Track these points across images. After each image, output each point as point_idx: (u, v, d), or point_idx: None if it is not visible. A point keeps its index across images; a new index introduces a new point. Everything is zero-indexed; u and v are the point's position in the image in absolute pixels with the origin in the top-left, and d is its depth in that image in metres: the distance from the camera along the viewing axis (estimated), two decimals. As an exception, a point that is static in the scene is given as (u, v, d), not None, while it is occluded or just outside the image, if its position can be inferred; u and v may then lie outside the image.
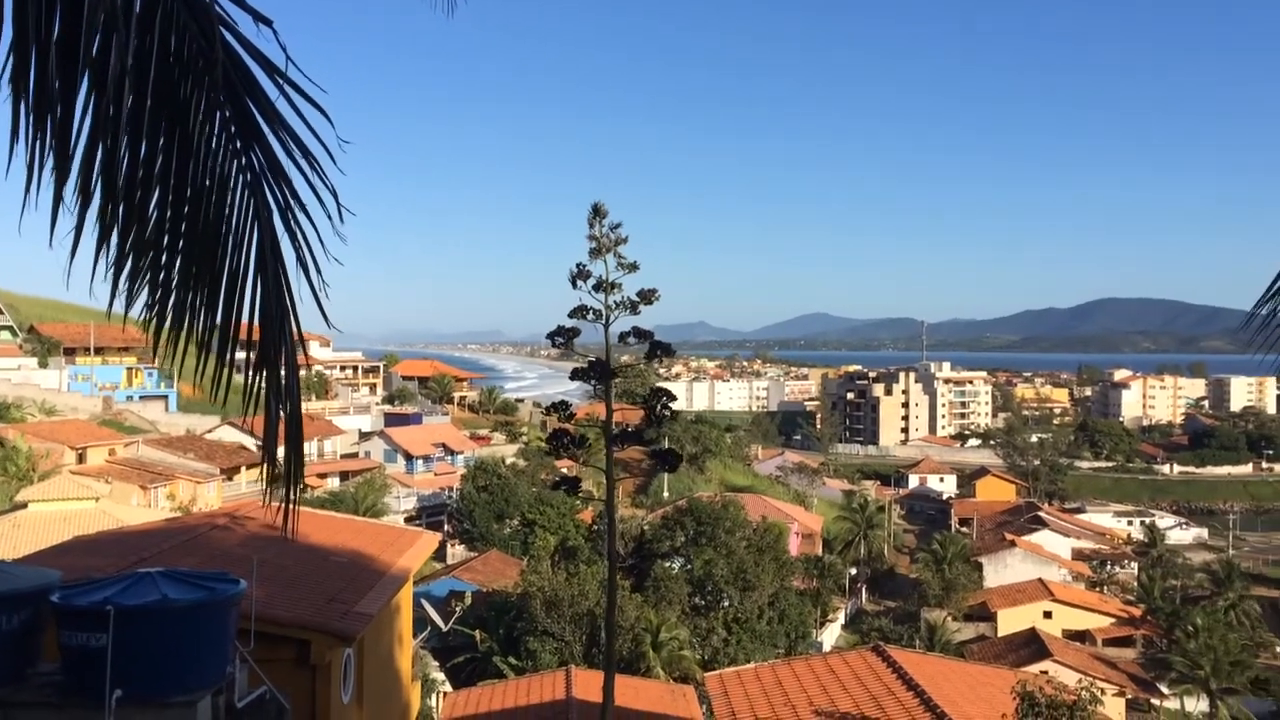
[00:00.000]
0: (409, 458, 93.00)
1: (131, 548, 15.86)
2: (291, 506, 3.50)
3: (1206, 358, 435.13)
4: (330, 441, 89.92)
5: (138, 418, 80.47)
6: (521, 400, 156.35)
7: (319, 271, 3.38)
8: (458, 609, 51.27)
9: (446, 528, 78.48)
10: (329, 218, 3.32)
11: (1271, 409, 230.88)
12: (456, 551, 74.45)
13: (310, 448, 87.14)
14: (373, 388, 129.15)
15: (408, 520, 75.90)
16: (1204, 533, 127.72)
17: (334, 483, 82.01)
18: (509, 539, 73.02)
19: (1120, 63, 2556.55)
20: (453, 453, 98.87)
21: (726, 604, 54.03)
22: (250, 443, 74.87)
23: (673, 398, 10.12)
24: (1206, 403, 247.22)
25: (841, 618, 76.85)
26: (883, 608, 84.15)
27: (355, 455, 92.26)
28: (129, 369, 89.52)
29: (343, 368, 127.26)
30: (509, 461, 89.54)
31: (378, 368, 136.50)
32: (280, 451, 3.49)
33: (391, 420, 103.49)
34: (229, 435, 77.28)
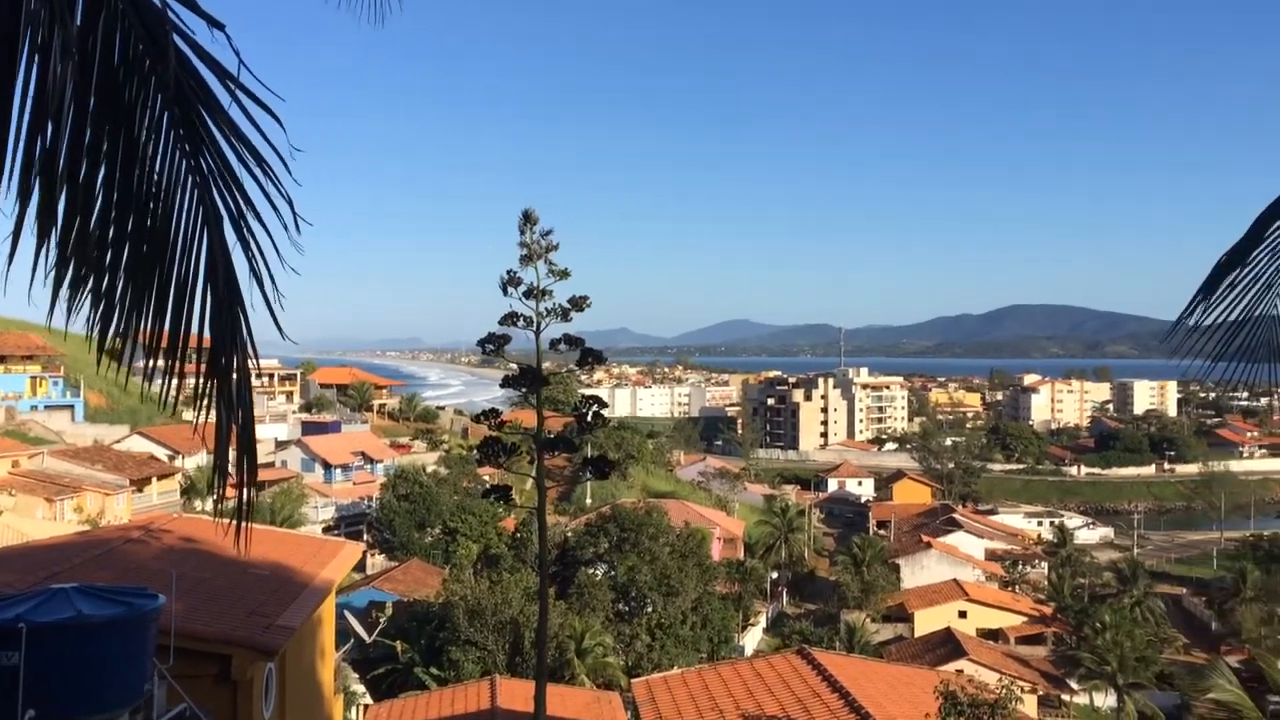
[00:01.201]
0: (327, 467, 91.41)
1: (41, 562, 15.33)
2: (245, 521, 3.43)
3: (1111, 362, 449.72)
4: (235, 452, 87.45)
5: (42, 428, 77.66)
6: (443, 408, 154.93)
7: (273, 281, 3.33)
8: (379, 620, 50.51)
9: (366, 537, 77.31)
10: (284, 226, 3.26)
11: (1173, 411, 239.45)
12: (377, 561, 73.36)
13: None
14: (289, 396, 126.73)
15: (326, 530, 74.63)
16: (1110, 532, 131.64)
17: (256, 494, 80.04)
18: (430, 548, 72.22)
19: (1026, 68, 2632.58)
20: (372, 461, 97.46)
21: (650, 610, 54.12)
22: (162, 453, 72.82)
23: (604, 404, 10.13)
24: (1111, 406, 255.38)
25: (763, 621, 77.51)
26: (803, 610, 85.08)
27: (271, 465, 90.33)
28: (33, 378, 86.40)
29: (259, 375, 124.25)
30: (430, 470, 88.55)
31: (295, 375, 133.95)
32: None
33: (309, 429, 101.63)
34: (139, 445, 75.04)
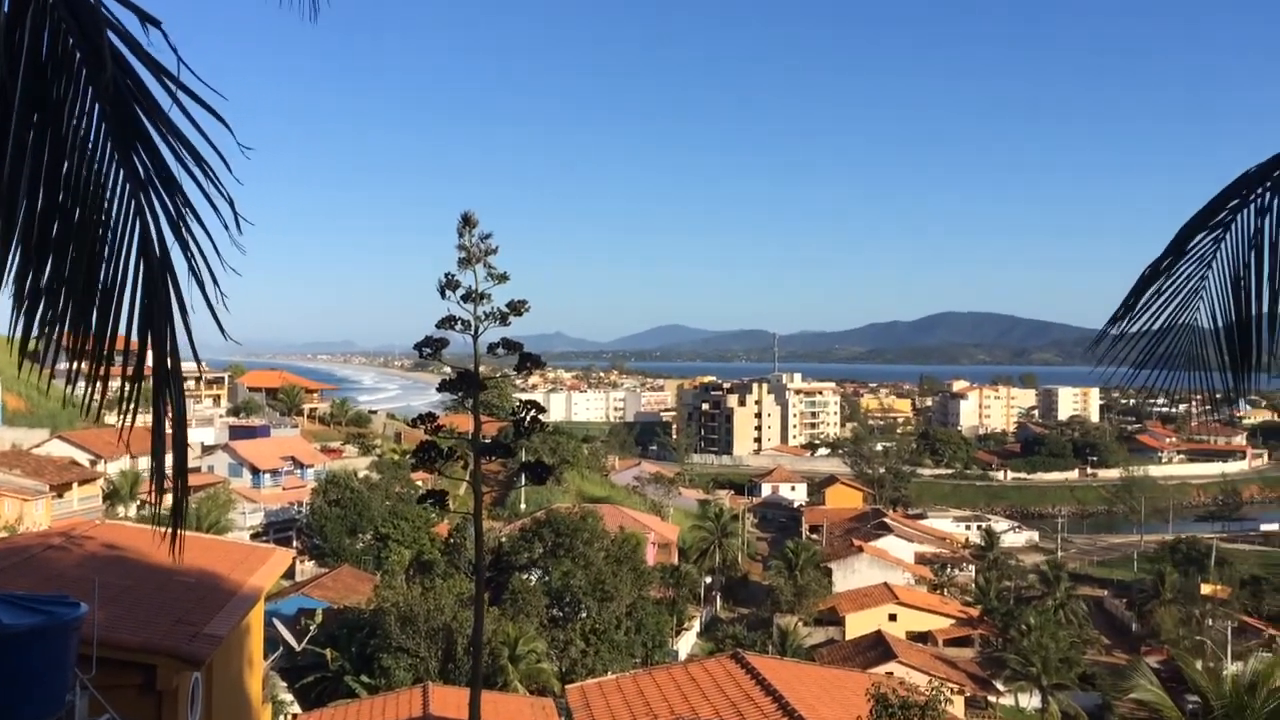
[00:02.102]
0: (255, 472, 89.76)
1: (-44, 571, 14.83)
2: (179, 528, 3.35)
3: (1036, 369, 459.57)
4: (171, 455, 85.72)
5: (-45, 432, 75.14)
6: (375, 412, 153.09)
7: (215, 282, 3.26)
8: (309, 627, 49.71)
9: (296, 544, 76.10)
10: (224, 226, 3.20)
11: (1095, 418, 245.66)
12: (306, 568, 72.22)
13: (145, 463, 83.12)
14: (216, 399, 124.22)
15: (254, 537, 73.23)
16: (1035, 535, 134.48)
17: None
18: (362, 554, 71.32)
19: (955, 74, 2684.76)
20: (302, 466, 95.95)
21: (584, 615, 54.05)
22: (83, 457, 70.90)
23: (542, 409, 10.10)
24: (1037, 412, 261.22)
25: (697, 626, 77.80)
26: (737, 614, 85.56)
27: (198, 470, 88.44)
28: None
29: (187, 378, 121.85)
30: (362, 475, 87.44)
31: (222, 379, 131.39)
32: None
33: (237, 433, 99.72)
34: (59, 450, 72.94)
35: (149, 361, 3.37)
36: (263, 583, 19.26)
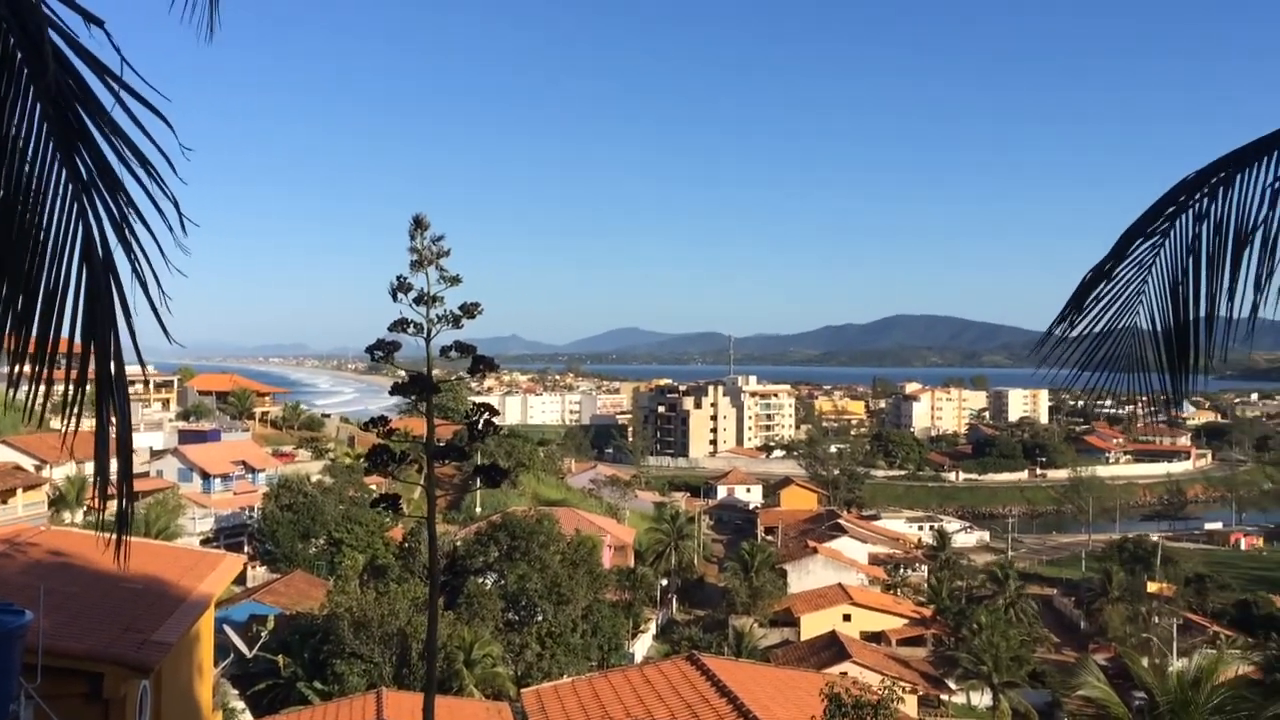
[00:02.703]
0: (206, 476, 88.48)
1: (-106, 579, 14.49)
2: (124, 534, 3.31)
3: (987, 371, 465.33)
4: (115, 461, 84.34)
5: (-106, 437, 73.28)
6: (328, 415, 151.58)
7: (159, 285, 3.22)
8: (260, 634, 49.08)
9: (247, 549, 75.10)
10: (169, 229, 3.16)
11: (1044, 419, 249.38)
12: (258, 573, 71.31)
13: (91, 468, 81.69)
14: (166, 403, 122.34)
15: (204, 542, 72.23)
16: (986, 536, 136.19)
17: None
18: (315, 559, 70.57)
19: (909, 78, 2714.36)
20: (254, 471, 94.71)
21: (540, 618, 53.87)
22: (28, 462, 69.46)
23: (496, 412, 10.03)
24: (987, 414, 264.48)
25: (653, 628, 77.87)
26: (693, 616, 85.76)
27: (146, 474, 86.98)
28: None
29: (132, 382, 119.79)
30: (315, 479, 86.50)
31: (171, 382, 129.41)
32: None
33: (187, 437, 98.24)
34: (3, 455, 71.44)
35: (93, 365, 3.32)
36: (213, 589, 19.01)
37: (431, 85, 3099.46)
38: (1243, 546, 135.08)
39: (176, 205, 3.19)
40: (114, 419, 3.30)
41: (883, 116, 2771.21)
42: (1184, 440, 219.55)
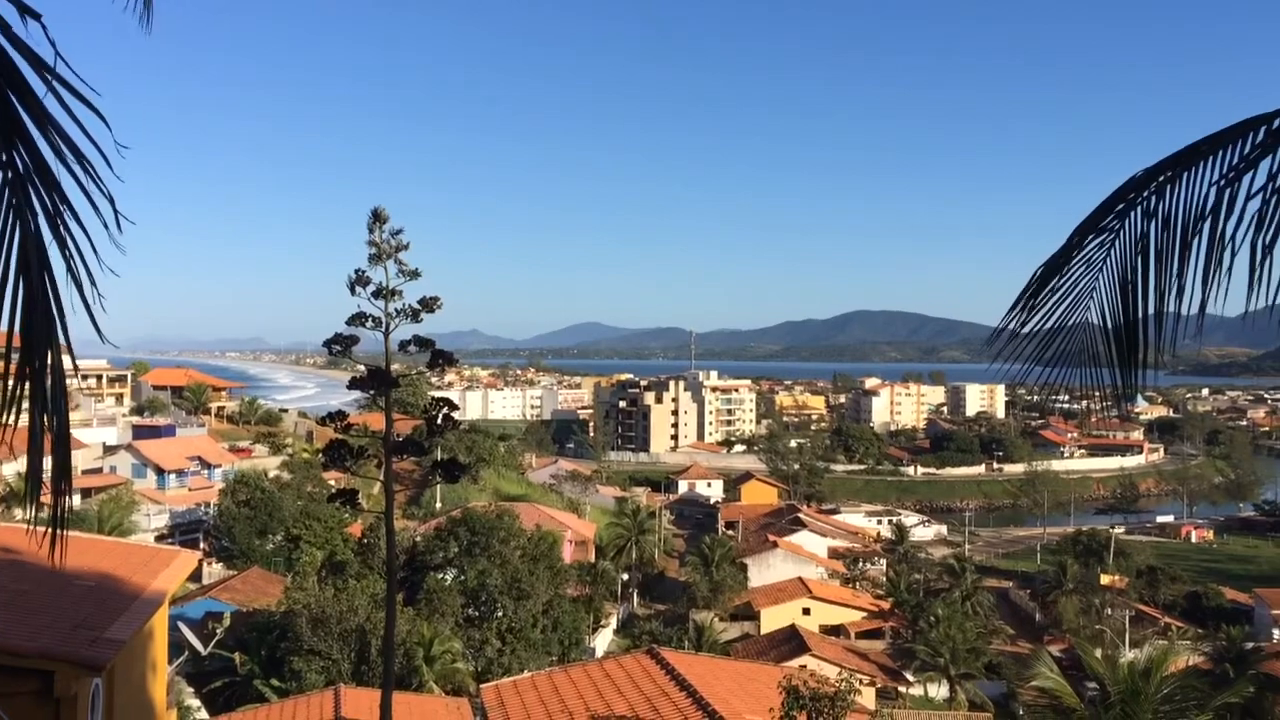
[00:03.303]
0: (160, 472, 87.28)
1: None
2: (60, 529, 3.24)
3: (945, 366, 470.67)
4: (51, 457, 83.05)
5: None
6: (286, 410, 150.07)
7: (93, 282, 3.15)
8: (216, 631, 48.54)
9: (203, 545, 74.28)
10: (104, 225, 3.09)
11: (1001, 414, 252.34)
12: (214, 570, 70.52)
13: (46, 464, 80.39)
14: (119, 398, 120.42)
15: (159, 539, 71.28)
16: (944, 529, 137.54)
17: (75, 500, 75.95)
18: (272, 555, 69.89)
19: (868, 80, 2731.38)
20: (210, 466, 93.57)
21: (501, 614, 53.67)
22: (-25, 459, 68.11)
23: (454, 407, 10.01)
24: (945, 408, 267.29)
25: (614, 623, 77.89)
26: (653, 611, 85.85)
27: (99, 470, 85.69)
28: None
29: (85, 376, 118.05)
30: (272, 474, 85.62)
31: (125, 376, 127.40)
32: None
33: (141, 433, 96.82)
34: (-51, 450, 70.09)
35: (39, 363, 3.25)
36: (166, 586, 18.75)
37: (392, 81, 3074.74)
38: (1193, 539, 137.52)
39: (112, 202, 3.12)
40: (52, 415, 3.23)
41: (842, 116, 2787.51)
42: (1137, 435, 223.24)
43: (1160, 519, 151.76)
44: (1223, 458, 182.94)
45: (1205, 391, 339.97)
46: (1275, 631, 78.58)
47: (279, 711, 31.08)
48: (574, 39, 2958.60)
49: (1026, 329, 5.14)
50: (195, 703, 41.00)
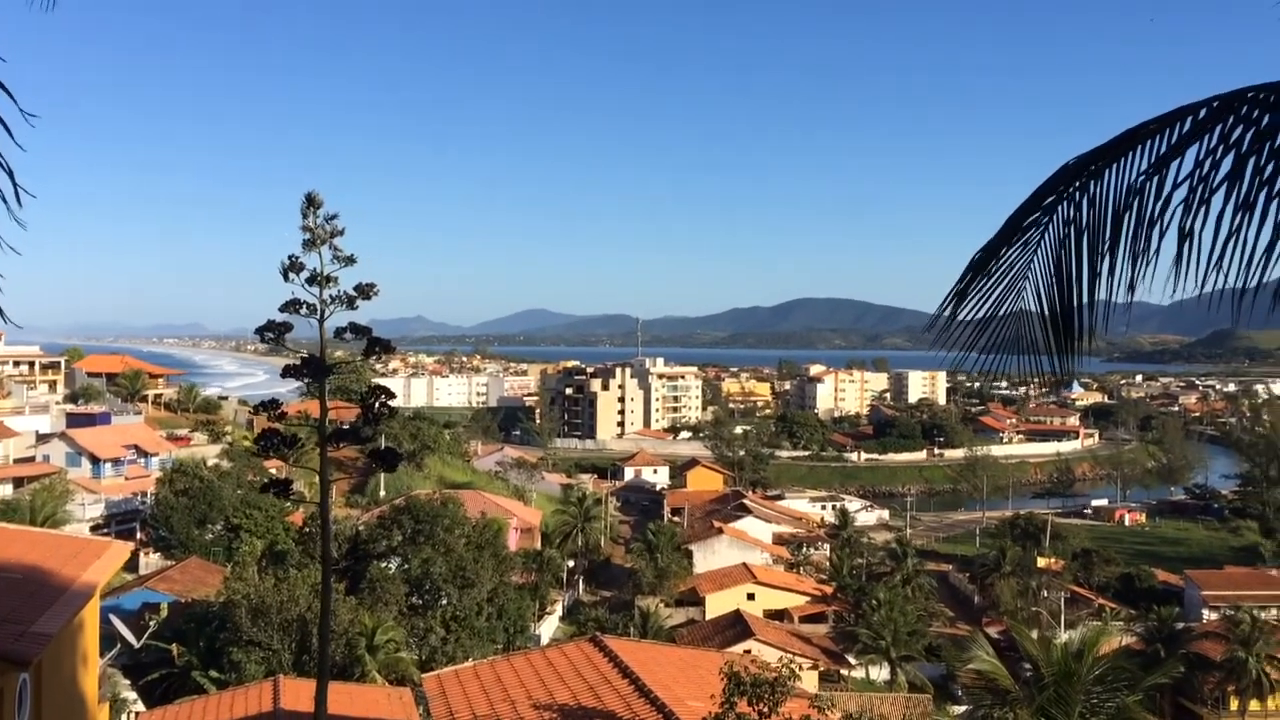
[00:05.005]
0: (96, 461, 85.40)
1: None
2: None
3: (888, 353, 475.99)
4: (1, 445, 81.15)
5: None
6: (225, 398, 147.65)
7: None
8: (152, 623, 47.67)
9: (140, 535, 72.90)
10: (3, 201, 2.94)
11: (943, 400, 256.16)
12: (151, 560, 69.26)
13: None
14: (52, 385, 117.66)
15: (94, 529, 69.96)
16: (886, 514, 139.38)
17: (6, 490, 74.11)
18: (211, 545, 68.77)
19: (818, 70, 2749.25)
20: (147, 455, 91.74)
21: (445, 602, 53.37)
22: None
23: (391, 395, 9.85)
24: (888, 395, 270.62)
25: (559, 610, 77.93)
26: (599, 598, 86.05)
27: (32, 459, 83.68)
28: None
29: (16, 363, 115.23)
30: (211, 463, 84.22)
31: (59, 363, 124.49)
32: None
33: (75, 421, 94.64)
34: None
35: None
36: (98, 577, 18.34)
37: (330, 66, 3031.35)
38: (1127, 522, 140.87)
39: (12, 175, 2.98)
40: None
41: (782, 104, 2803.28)
42: (1073, 420, 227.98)
43: (1095, 503, 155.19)
44: (1155, 443, 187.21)
45: (1139, 378, 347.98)
46: (1205, 612, 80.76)
47: (217, 703, 30.64)
48: (506, 23, 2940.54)
49: (964, 314, 5.16)
50: (131, 695, 40.28)
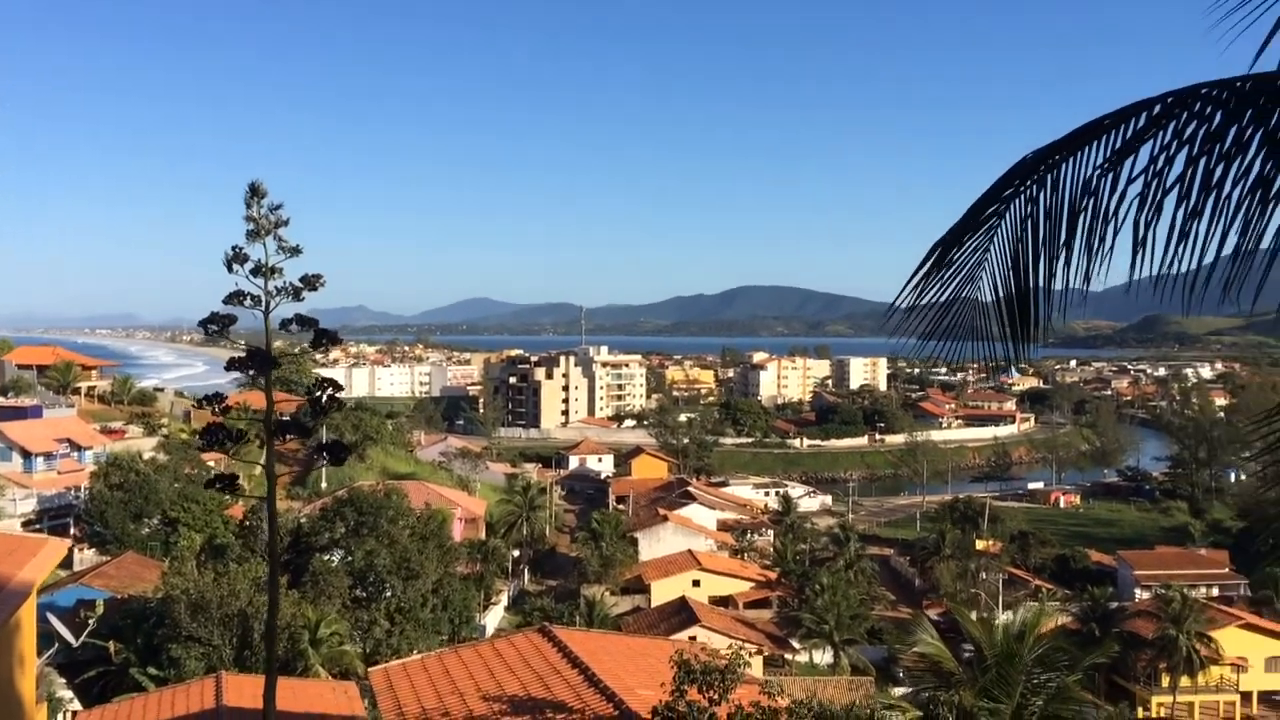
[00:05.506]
0: (26, 455, 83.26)
1: None
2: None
3: (830, 340, 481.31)
4: None
5: None
6: (161, 390, 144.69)
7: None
8: (89, 620, 46.66)
9: (74, 531, 71.27)
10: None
11: (883, 386, 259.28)
12: (86, 556, 67.78)
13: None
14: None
15: (26, 525, 68.31)
16: (829, 500, 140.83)
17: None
18: (148, 540, 67.46)
19: (759, 70, 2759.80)
20: (80, 448, 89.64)
21: (389, 594, 52.97)
22: None
23: (339, 387, 9.69)
24: (830, 382, 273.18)
25: (505, 600, 77.69)
26: (545, 587, 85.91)
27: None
28: None
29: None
30: (148, 456, 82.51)
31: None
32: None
33: (5, 414, 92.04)
34: None
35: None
36: (34, 576, 17.88)
37: (272, 55, 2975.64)
38: (1061, 504, 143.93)
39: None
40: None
41: (719, 99, 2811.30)
42: (1010, 405, 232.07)
43: (1031, 485, 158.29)
44: (1089, 426, 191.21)
45: (1073, 363, 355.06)
46: (1137, 591, 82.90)
47: (157, 700, 30.09)
48: (454, 11, 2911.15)
49: (923, 303, 5.22)
50: (68, 694, 39.42)
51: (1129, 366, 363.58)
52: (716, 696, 15.71)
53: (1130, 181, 4.60)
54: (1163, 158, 4.48)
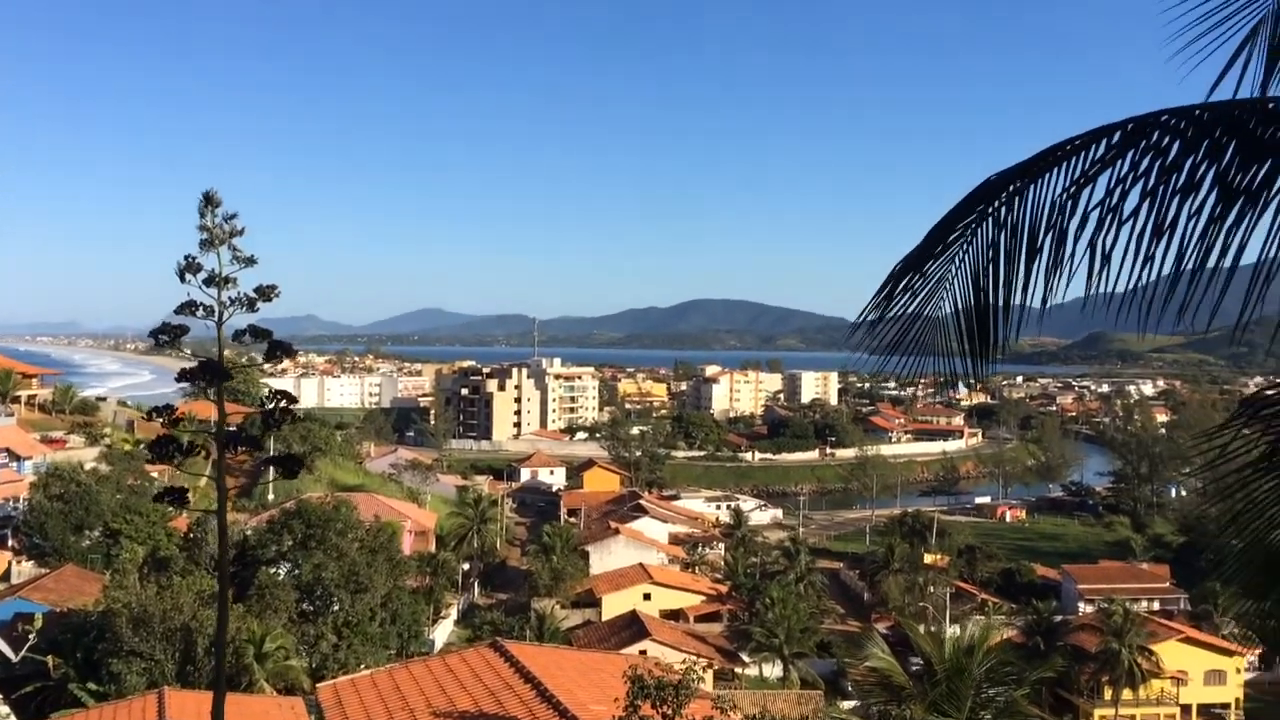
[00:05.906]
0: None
1: None
2: None
3: (782, 354, 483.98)
4: None
5: None
6: (104, 399, 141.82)
7: None
8: (28, 634, 45.52)
9: (12, 543, 69.53)
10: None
11: (834, 400, 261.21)
12: (24, 569, 66.17)
13: None
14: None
15: (-40, 537, 66.50)
16: (779, 513, 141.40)
17: None
18: (89, 552, 65.99)
19: (730, 76, 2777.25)
20: (19, 458, 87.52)
21: (337, 608, 52.27)
22: None
23: (293, 400, 9.53)
24: (782, 396, 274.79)
25: (454, 613, 77.03)
26: (495, 601, 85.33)
27: (-111, 464, 79.06)
28: None
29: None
30: (89, 466, 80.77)
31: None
32: None
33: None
34: None
35: None
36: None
37: (228, 62, 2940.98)
38: (1008, 519, 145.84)
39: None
40: None
41: (680, 109, 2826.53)
42: (958, 420, 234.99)
43: (978, 500, 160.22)
44: (1034, 441, 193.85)
45: (1019, 379, 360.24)
46: (1081, 605, 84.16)
47: (98, 716, 29.47)
48: (420, 15, 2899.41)
49: (885, 320, 5.28)
50: (4, 709, 38.45)
51: (1073, 383, 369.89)
52: (670, 712, 15.69)
53: (1091, 209, 4.68)
54: (1118, 191, 4.56)
